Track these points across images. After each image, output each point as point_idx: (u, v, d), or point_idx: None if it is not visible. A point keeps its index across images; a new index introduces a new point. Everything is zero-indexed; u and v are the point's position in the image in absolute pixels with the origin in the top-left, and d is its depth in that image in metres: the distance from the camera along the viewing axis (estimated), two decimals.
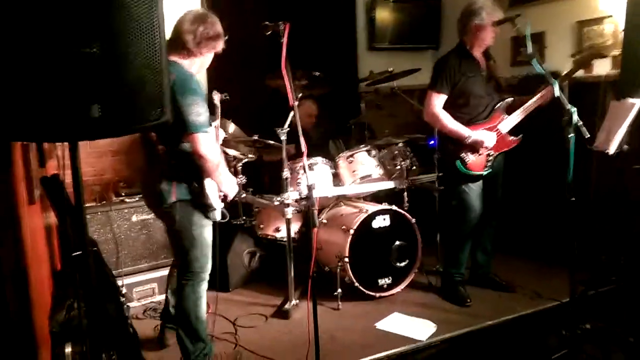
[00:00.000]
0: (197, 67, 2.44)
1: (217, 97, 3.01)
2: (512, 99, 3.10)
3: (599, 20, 3.75)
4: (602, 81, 3.60)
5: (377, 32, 5.13)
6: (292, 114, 2.66)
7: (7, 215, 1.75)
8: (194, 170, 2.31)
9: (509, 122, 3.08)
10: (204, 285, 2.49)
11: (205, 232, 2.43)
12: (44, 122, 1.33)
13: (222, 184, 2.42)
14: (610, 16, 3.66)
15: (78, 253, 1.57)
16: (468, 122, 3.03)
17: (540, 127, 3.16)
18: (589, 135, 2.51)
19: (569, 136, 2.50)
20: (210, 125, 2.33)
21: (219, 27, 2.44)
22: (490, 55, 3.21)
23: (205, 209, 2.39)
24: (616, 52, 3.54)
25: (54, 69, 1.31)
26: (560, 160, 2.63)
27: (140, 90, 1.46)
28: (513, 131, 3.11)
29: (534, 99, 3.02)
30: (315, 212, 2.29)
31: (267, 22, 2.41)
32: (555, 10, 4.10)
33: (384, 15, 5.15)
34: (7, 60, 1.27)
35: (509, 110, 3.10)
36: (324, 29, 4.82)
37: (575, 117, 2.49)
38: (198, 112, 2.21)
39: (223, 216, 2.50)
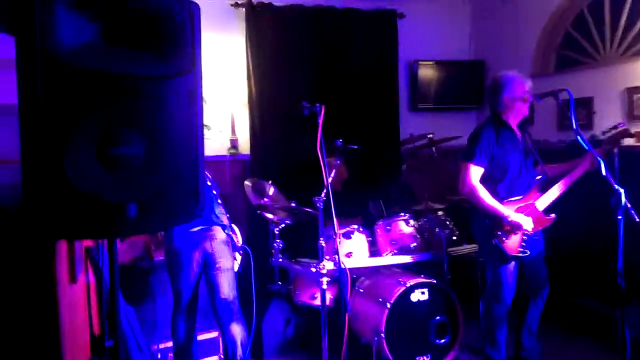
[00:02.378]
0: None
1: None
2: (547, 175, 2.99)
3: None
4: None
5: (420, 93, 5.16)
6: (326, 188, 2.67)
7: (45, 299, 1.80)
8: None
9: (545, 199, 2.94)
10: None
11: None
12: (83, 220, 1.38)
13: None
14: None
15: (110, 343, 1.60)
16: (503, 198, 2.92)
17: (589, 205, 3.03)
18: (638, 220, 2.38)
19: (618, 218, 2.38)
20: None
21: None
22: (526, 129, 3.12)
23: None
24: None
25: (94, 168, 1.37)
26: (609, 242, 2.50)
27: (176, 186, 1.51)
28: (551, 207, 2.97)
29: (572, 174, 2.90)
30: (348, 296, 2.25)
31: (304, 103, 2.46)
32: (604, 75, 4.02)
33: (426, 75, 5.19)
34: (50, 161, 1.32)
35: (546, 185, 2.99)
36: (367, 90, 4.90)
37: (623, 199, 2.38)
38: None
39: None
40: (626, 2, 3.96)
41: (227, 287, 2.81)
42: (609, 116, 3.91)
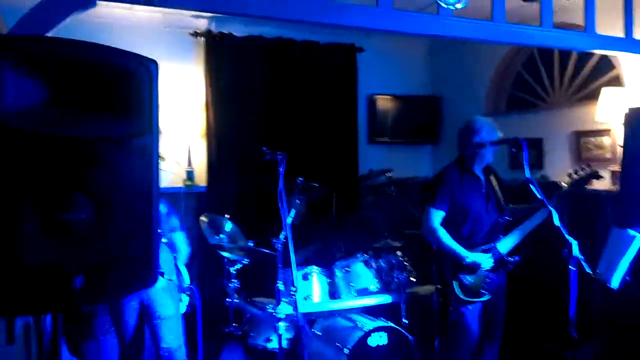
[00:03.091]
0: None
1: None
2: (509, 219, 3.06)
3: (596, 132, 3.81)
4: (601, 195, 3.59)
5: (378, 126, 5.22)
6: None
7: None
8: None
9: (506, 243, 3.01)
10: None
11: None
12: (24, 295, 1.27)
13: None
14: (609, 130, 3.71)
15: None
16: (465, 240, 2.96)
17: (543, 252, 3.10)
18: (590, 272, 2.45)
19: (570, 269, 2.45)
20: None
21: None
22: (492, 170, 3.20)
23: None
24: (614, 167, 3.57)
25: (38, 236, 1.27)
26: (563, 288, 2.56)
27: (128, 254, 1.42)
28: (512, 252, 3.04)
29: (531, 221, 2.98)
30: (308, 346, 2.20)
31: (265, 149, 2.41)
32: (553, 118, 4.18)
33: (384, 109, 5.25)
34: None
35: (509, 227, 3.06)
36: (327, 122, 4.91)
37: (575, 250, 2.45)
38: None
39: None
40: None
41: (169, 336, 2.71)
42: (558, 157, 4.06)
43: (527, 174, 2.69)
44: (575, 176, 3.02)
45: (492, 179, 3.17)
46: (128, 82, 1.42)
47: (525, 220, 3.03)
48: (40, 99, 1.28)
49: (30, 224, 1.26)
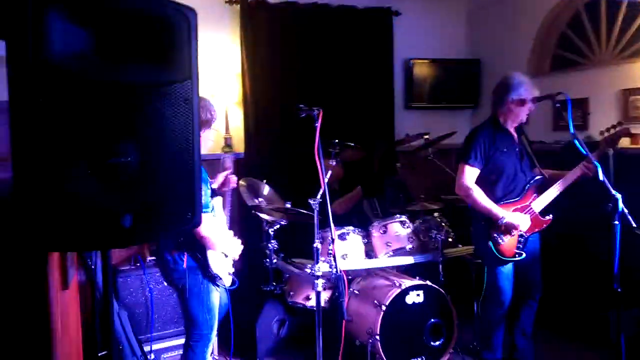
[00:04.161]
0: None
1: (228, 161, 3.19)
2: (544, 177, 2.99)
3: None
4: None
5: (415, 91, 5.14)
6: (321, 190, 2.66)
7: (38, 304, 1.77)
8: (197, 245, 2.52)
9: (541, 201, 2.94)
10: (209, 348, 2.71)
11: (213, 297, 2.63)
12: (77, 232, 1.34)
13: (226, 252, 2.66)
14: None
15: (103, 353, 1.57)
16: (500, 200, 2.92)
17: (585, 209, 3.03)
18: (635, 225, 2.38)
19: (614, 224, 2.39)
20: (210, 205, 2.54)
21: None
22: (523, 130, 3.12)
23: (211, 278, 2.59)
24: None
25: (88, 179, 1.34)
26: (606, 246, 2.50)
27: (172, 196, 1.48)
28: (547, 209, 2.98)
29: (568, 176, 2.90)
30: (345, 303, 2.24)
31: (301, 106, 2.43)
32: (600, 77, 4.01)
33: (421, 73, 5.16)
34: (42, 172, 1.29)
35: (542, 187, 2.99)
36: (363, 88, 4.88)
37: (620, 205, 2.38)
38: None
39: (232, 283, 2.74)
40: (623, 3, 3.95)
41: None
42: (604, 117, 3.91)
43: (571, 129, 2.62)
44: (606, 134, 2.92)
45: (524, 138, 3.10)
46: (168, 30, 1.45)
47: (559, 179, 2.95)
48: (85, 46, 1.33)
49: (80, 163, 1.31)
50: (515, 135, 3.04)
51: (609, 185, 2.44)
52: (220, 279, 2.62)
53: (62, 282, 1.99)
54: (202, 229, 2.39)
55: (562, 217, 3.02)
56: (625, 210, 2.37)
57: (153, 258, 3.51)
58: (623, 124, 3.01)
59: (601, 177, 2.47)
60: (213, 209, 2.62)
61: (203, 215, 2.24)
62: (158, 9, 1.44)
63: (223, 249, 2.63)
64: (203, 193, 2.40)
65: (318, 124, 2.35)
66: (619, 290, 2.37)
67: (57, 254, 1.99)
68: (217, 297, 2.68)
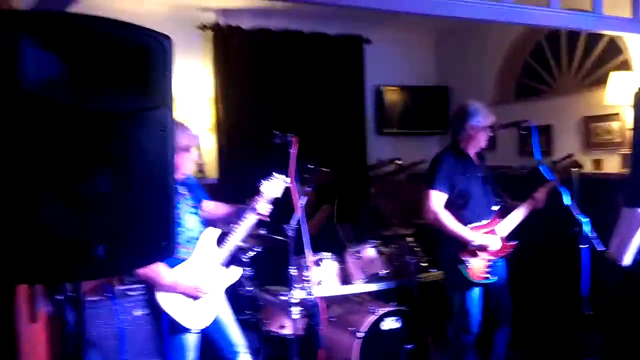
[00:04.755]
0: None
1: None
2: (507, 201, 3.07)
3: (605, 117, 3.80)
4: (612, 179, 3.59)
5: (385, 117, 5.24)
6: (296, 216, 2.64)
7: (6, 337, 1.71)
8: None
9: (505, 225, 3.00)
10: None
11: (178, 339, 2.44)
12: (47, 264, 1.30)
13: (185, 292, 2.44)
14: (617, 114, 3.70)
15: None
16: (467, 224, 2.95)
17: (552, 233, 3.11)
18: (601, 249, 2.46)
19: (582, 247, 2.46)
20: None
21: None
22: (483, 156, 3.19)
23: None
24: (624, 150, 3.56)
25: (60, 210, 1.30)
26: (574, 269, 2.57)
27: (146, 225, 1.45)
28: (512, 235, 3.03)
29: (526, 203, 2.99)
30: (321, 331, 2.22)
31: (277, 132, 2.44)
32: (562, 105, 4.17)
33: (392, 100, 5.27)
34: (11, 202, 1.25)
35: (505, 212, 3.05)
36: (335, 114, 4.94)
37: (586, 229, 2.46)
38: None
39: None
40: (581, 33, 4.15)
41: None
42: (567, 144, 4.05)
43: (537, 155, 2.71)
44: (558, 165, 3.04)
45: (485, 163, 3.17)
46: (144, 57, 1.44)
47: (520, 204, 3.03)
48: (58, 72, 1.31)
49: (51, 193, 1.28)
50: (477, 160, 3.11)
51: (575, 210, 2.52)
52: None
53: (30, 316, 1.92)
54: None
55: (531, 240, 3.08)
56: (591, 235, 2.44)
57: (122, 287, 3.41)
58: (573, 156, 3.13)
59: (567, 201, 2.55)
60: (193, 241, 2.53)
61: None
62: (133, 36, 1.44)
63: (176, 290, 2.42)
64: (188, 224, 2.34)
65: (293, 151, 2.36)
66: (589, 313, 2.42)
67: (26, 286, 1.93)
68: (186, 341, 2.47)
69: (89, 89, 1.34)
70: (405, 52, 5.39)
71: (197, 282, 2.45)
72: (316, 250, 3.35)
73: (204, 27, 4.57)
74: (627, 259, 2.52)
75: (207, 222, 2.69)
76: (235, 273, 2.68)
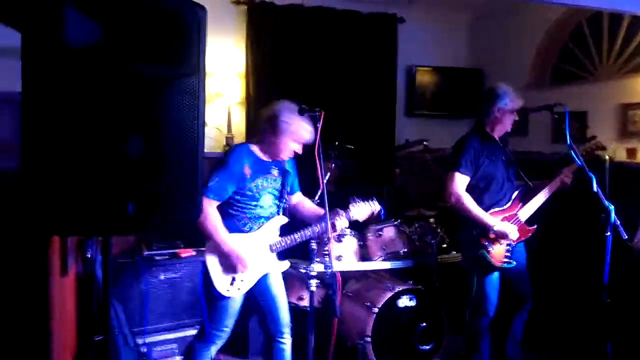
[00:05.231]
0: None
1: None
2: (530, 185, 3.03)
3: None
4: None
5: (416, 98, 5.19)
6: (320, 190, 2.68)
7: (38, 290, 1.80)
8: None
9: (527, 210, 2.98)
10: (209, 351, 2.58)
11: (226, 302, 2.51)
12: (80, 218, 1.38)
13: (226, 255, 2.47)
14: None
15: (100, 338, 1.60)
16: (488, 208, 2.94)
17: (578, 220, 3.07)
18: (626, 237, 2.42)
19: (606, 235, 2.43)
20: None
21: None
22: (508, 140, 3.15)
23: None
24: None
25: (94, 167, 1.37)
26: (598, 257, 2.55)
27: (175, 187, 1.51)
28: (532, 219, 3.00)
29: (550, 186, 2.95)
30: (338, 300, 2.27)
31: (304, 106, 2.46)
32: (599, 91, 4.07)
33: (423, 81, 5.21)
34: (50, 159, 1.31)
35: (527, 196, 3.02)
36: (365, 92, 4.92)
37: (612, 216, 2.42)
38: (212, 177, 2.40)
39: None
40: (624, 19, 4.01)
41: None
42: (602, 131, 3.94)
43: (568, 140, 2.67)
44: (581, 147, 2.96)
45: (509, 148, 3.13)
46: (179, 25, 1.49)
47: (543, 189, 2.99)
48: (97, 36, 1.37)
49: (86, 150, 1.35)
50: (501, 143, 3.08)
51: (603, 197, 2.48)
52: (220, 287, 2.50)
53: (61, 269, 2.02)
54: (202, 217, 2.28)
55: (554, 226, 3.05)
56: (618, 222, 2.41)
57: (149, 252, 3.54)
58: (596, 138, 3.04)
59: (595, 188, 2.51)
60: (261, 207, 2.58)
61: (206, 202, 2.29)
62: (170, 4, 1.48)
63: (221, 248, 2.46)
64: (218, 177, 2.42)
65: (319, 125, 2.38)
66: (607, 300, 2.40)
67: (58, 241, 2.03)
68: (228, 302, 2.53)
69: (125, 54, 1.39)
70: (440, 33, 5.30)
71: (245, 256, 2.50)
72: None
73: (238, 2, 4.59)
74: None
75: (285, 209, 2.75)
76: (283, 266, 2.75)
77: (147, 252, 3.57)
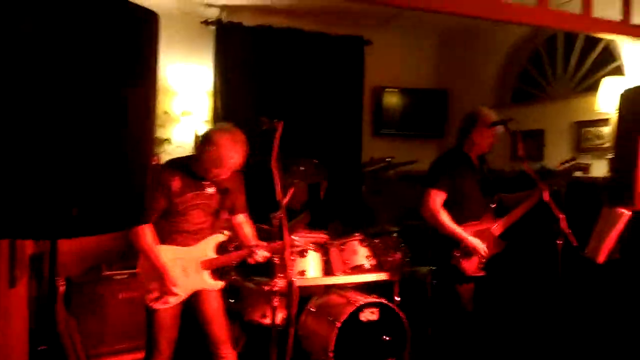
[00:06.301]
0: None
1: None
2: (502, 202, 3.12)
3: (597, 122, 3.83)
4: (599, 183, 3.61)
5: (383, 119, 5.28)
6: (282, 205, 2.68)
7: None
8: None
9: (501, 224, 3.08)
10: None
11: (155, 313, 2.50)
12: (25, 220, 1.35)
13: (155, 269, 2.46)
14: (607, 119, 3.73)
15: (42, 348, 1.56)
16: (462, 222, 3.03)
17: (535, 230, 3.15)
18: (576, 244, 2.49)
19: (557, 242, 2.49)
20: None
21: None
22: (485, 160, 3.26)
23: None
24: (611, 155, 3.58)
25: (40, 169, 1.36)
26: (552, 265, 2.61)
27: (123, 191, 1.51)
28: (503, 234, 3.09)
29: (523, 205, 3.04)
30: (294, 308, 2.27)
31: (263, 119, 2.49)
32: (554, 110, 4.21)
33: (390, 102, 5.31)
34: None
35: (502, 211, 3.11)
36: (332, 112, 4.99)
37: (563, 225, 2.49)
38: None
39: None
40: (577, 40, 4.19)
41: None
42: (559, 148, 4.09)
43: (520, 151, 2.76)
44: (561, 167, 3.08)
45: (485, 167, 3.25)
46: (129, 31, 1.50)
47: (516, 206, 3.08)
48: (42, 45, 1.37)
49: (32, 153, 1.35)
50: (478, 163, 3.18)
51: (554, 206, 2.55)
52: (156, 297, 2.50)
53: (8, 280, 1.98)
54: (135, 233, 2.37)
55: (512, 235, 3.14)
56: (568, 230, 2.48)
57: (110, 272, 3.48)
58: (576, 159, 3.16)
59: (546, 198, 2.59)
60: None
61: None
62: (122, 13, 1.50)
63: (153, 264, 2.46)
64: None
65: (277, 135, 2.41)
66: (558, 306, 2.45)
67: (5, 253, 1.99)
68: (165, 316, 2.51)
69: (72, 58, 1.40)
70: (406, 55, 5.44)
71: (172, 272, 2.48)
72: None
73: (207, 23, 4.65)
74: (602, 256, 2.54)
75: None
76: (216, 285, 2.68)
77: (105, 273, 3.51)
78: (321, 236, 3.50)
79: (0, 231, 1.38)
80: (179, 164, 2.56)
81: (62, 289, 3.24)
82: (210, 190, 2.60)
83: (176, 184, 2.49)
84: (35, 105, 1.32)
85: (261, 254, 2.67)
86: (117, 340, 3.31)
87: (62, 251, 1.87)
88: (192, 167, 2.56)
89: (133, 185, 1.52)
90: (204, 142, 2.51)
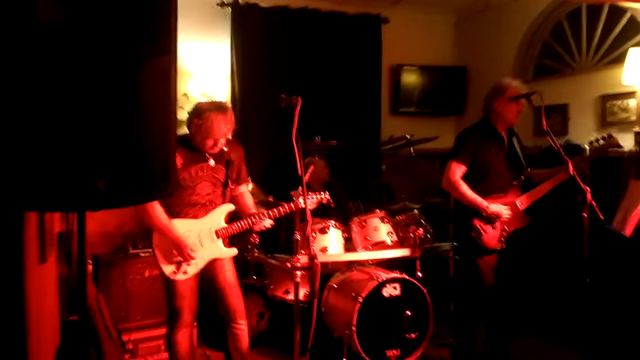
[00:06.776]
0: None
1: None
2: (530, 176, 3.08)
3: (622, 95, 3.75)
4: (625, 156, 3.54)
5: (402, 97, 5.23)
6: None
7: (13, 278, 1.79)
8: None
9: (527, 198, 3.06)
10: (178, 335, 2.71)
11: (175, 284, 2.64)
12: (54, 192, 1.39)
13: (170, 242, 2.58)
14: (634, 92, 3.65)
15: (72, 318, 1.60)
16: (485, 196, 3.01)
17: (559, 204, 3.12)
18: (602, 218, 2.46)
19: (583, 215, 2.46)
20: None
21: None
22: (514, 132, 3.22)
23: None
24: (639, 129, 3.51)
25: (67, 144, 1.39)
26: (578, 239, 2.58)
27: (147, 164, 1.53)
28: (528, 209, 3.06)
29: (550, 180, 3.00)
30: (317, 282, 2.29)
31: (282, 95, 2.49)
32: (579, 83, 4.13)
33: (409, 80, 5.26)
34: (25, 135, 1.34)
35: (527, 186, 3.08)
36: (351, 92, 4.96)
37: (588, 197, 2.46)
38: None
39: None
40: (602, 12, 4.08)
41: None
42: (583, 122, 4.01)
43: (545, 125, 2.71)
44: (595, 144, 3.00)
45: (514, 140, 3.20)
46: (150, 4, 1.51)
47: (544, 180, 3.05)
48: (65, 15, 1.39)
49: (59, 127, 1.37)
50: (506, 137, 3.14)
51: (579, 180, 2.52)
52: (168, 271, 2.65)
53: (39, 255, 2.02)
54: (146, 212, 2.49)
55: (535, 211, 3.11)
56: (594, 203, 2.44)
57: (135, 250, 3.55)
58: (612, 137, 3.08)
59: (571, 172, 2.55)
60: None
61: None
62: None
63: (172, 239, 2.58)
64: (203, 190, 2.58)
65: (297, 111, 2.40)
66: (588, 280, 2.43)
67: (35, 226, 2.03)
68: (184, 285, 2.66)
69: (95, 32, 1.41)
70: (424, 32, 5.36)
71: (188, 242, 2.60)
72: (324, 217, 3.42)
73: (223, 4, 4.63)
74: (629, 230, 2.51)
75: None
76: (230, 252, 2.80)
77: (132, 251, 3.58)
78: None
79: (28, 204, 1.44)
80: (179, 141, 2.63)
81: (89, 267, 3.33)
82: (212, 162, 2.70)
83: (178, 160, 2.57)
84: (61, 78, 1.35)
85: (267, 221, 2.83)
86: (142, 316, 3.39)
87: (89, 231, 1.91)
88: (191, 142, 2.66)
89: (157, 157, 1.54)
90: (192, 116, 2.63)
